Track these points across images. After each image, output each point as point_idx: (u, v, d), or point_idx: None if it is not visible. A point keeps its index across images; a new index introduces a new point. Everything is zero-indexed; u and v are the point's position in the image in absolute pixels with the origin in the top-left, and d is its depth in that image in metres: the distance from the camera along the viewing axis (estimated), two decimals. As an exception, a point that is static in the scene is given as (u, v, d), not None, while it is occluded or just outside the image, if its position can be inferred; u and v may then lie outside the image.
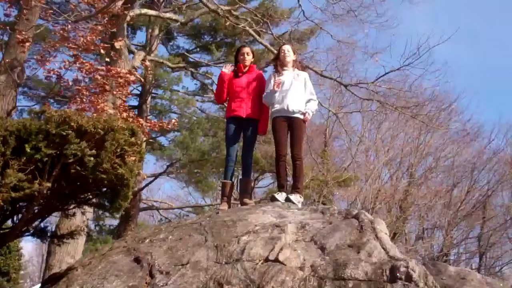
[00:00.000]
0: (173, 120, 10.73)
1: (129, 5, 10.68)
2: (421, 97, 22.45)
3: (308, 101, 6.99)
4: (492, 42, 55.50)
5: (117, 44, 10.68)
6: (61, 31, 8.57)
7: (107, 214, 6.04)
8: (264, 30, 17.22)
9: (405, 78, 19.93)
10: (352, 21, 17.22)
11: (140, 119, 9.58)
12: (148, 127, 9.91)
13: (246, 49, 7.44)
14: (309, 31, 19.02)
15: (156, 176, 19.12)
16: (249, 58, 7.36)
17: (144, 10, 13.82)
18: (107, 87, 8.47)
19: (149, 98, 19.45)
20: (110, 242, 14.54)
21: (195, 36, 20.35)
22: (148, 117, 18.31)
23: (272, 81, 7.05)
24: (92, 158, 5.19)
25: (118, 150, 5.43)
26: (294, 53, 7.29)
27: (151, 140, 14.44)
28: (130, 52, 14.97)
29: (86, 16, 9.47)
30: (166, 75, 18.42)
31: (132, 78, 9.52)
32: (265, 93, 7.06)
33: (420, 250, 25.88)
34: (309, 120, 7.00)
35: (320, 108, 23.43)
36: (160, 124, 10.36)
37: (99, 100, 8.02)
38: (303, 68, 7.51)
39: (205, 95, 21.22)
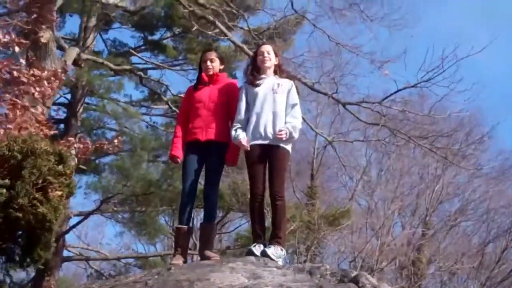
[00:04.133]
0: (116, 140, 10.70)
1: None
2: (444, 124, 22.71)
3: (290, 117, 6.96)
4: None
5: (44, 37, 10.67)
6: None
7: (20, 267, 6.02)
8: (237, 25, 17.36)
9: (423, 98, 20.19)
10: (355, 17, 17.51)
11: (71, 138, 9.54)
12: (81, 149, 9.88)
13: (211, 55, 7.47)
14: (294, 23, 19.20)
15: (86, 216, 18.97)
16: (215, 66, 7.36)
17: (80, -7, 13.85)
18: (33, 90, 8.47)
19: (81, 109, 19.36)
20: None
21: (145, 28, 20.38)
22: (79, 134, 18.23)
23: (243, 100, 7.08)
24: (4, 190, 5.20)
25: (40, 181, 5.45)
26: (277, 56, 7.31)
27: (82, 167, 14.34)
28: (60, 47, 14.95)
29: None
30: (103, 79, 18.34)
31: (56, 82, 9.52)
32: (232, 128, 7.00)
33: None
34: (285, 139, 6.81)
35: (308, 132, 23.67)
36: (99, 145, 10.33)
37: (17, 110, 8.00)
38: (288, 75, 7.54)
39: (155, 107, 21.22)
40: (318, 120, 27.77)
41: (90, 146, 10.62)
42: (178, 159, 7.11)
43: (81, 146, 10.46)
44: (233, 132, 6.97)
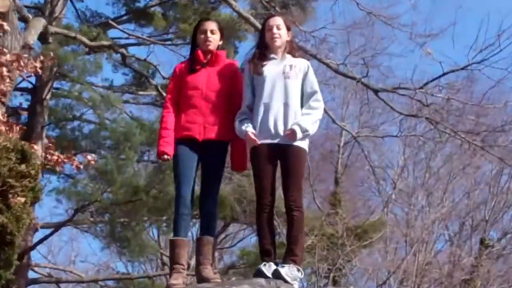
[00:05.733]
0: (90, 157, 10.76)
1: None
2: (498, 116, 22.54)
3: (307, 108, 6.94)
4: None
5: (1, 5, 10.66)
6: None
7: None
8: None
9: (471, 84, 19.99)
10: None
11: (35, 146, 9.50)
12: (45, 161, 9.91)
13: (211, 24, 7.37)
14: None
15: (56, 228, 18.98)
16: (214, 39, 7.28)
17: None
18: None
19: (48, 96, 19.28)
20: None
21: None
22: (45, 128, 18.22)
23: (249, 85, 7.05)
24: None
25: (-1, 184, 5.47)
26: (289, 29, 7.24)
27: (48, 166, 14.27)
28: (22, 19, 14.94)
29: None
30: (76, 57, 18.23)
31: (18, 71, 9.54)
32: (236, 120, 6.97)
33: None
34: (295, 139, 6.74)
35: (330, 126, 23.64)
36: (66, 159, 10.38)
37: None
38: (304, 54, 7.47)
39: (140, 93, 21.21)
40: (345, 110, 27.80)
41: (61, 158, 10.64)
42: (168, 157, 7.01)
43: (49, 156, 10.46)
44: (237, 124, 6.93)
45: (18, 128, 8.98)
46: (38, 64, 10.10)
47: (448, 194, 28.90)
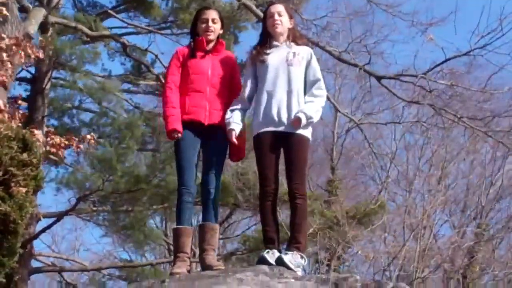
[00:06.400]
0: (89, 136, 10.68)
1: None
2: (499, 102, 22.49)
3: (310, 95, 6.93)
4: None
5: (2, -4, 10.64)
6: None
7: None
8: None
9: (471, 69, 19.92)
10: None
11: (35, 131, 9.42)
12: (47, 145, 9.84)
13: (212, 13, 7.33)
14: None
15: (59, 217, 18.93)
16: (216, 28, 7.26)
17: None
18: None
19: (48, 85, 19.21)
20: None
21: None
22: (45, 118, 18.17)
23: (250, 74, 7.08)
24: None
25: (1, 173, 5.44)
26: (291, 17, 7.23)
27: (52, 156, 14.16)
28: (23, 9, 14.89)
29: None
30: (73, 46, 18.10)
31: (19, 55, 9.48)
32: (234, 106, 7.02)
33: None
34: (300, 127, 6.74)
35: (326, 113, 23.55)
36: (67, 142, 10.31)
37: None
38: (306, 41, 7.43)
39: (141, 82, 21.13)
40: (338, 97, 27.69)
41: (62, 142, 10.58)
42: (179, 134, 6.90)
43: (50, 140, 10.40)
44: (228, 113, 6.98)
45: (19, 115, 8.92)
46: (39, 50, 10.01)
47: (446, 179, 28.88)
